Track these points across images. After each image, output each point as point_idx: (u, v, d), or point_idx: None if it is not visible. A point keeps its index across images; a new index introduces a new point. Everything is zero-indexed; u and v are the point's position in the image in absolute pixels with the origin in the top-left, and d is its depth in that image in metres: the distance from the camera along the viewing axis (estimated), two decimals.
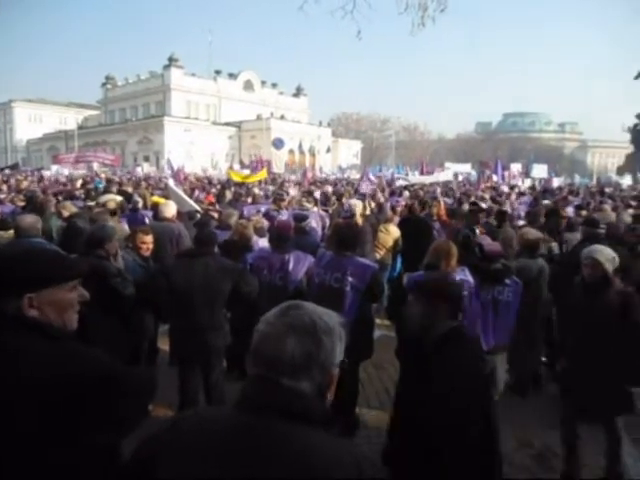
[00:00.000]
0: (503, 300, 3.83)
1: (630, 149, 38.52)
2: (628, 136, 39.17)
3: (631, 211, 8.40)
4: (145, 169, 31.97)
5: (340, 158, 58.76)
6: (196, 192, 12.80)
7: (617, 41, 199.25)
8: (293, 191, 13.74)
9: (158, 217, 6.02)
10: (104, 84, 71.02)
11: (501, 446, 3.73)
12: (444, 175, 21.97)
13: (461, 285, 3.26)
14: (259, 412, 1.06)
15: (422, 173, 24.03)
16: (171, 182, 9.16)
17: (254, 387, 1.11)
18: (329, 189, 14.67)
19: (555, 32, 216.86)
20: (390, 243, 7.30)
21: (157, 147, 53.16)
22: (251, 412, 1.07)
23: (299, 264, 4.12)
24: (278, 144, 36.08)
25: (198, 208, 7.31)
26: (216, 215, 6.85)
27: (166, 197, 8.13)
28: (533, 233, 5.05)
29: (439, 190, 15.40)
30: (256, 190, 13.25)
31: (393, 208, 7.98)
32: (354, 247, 3.93)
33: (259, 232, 5.57)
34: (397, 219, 7.97)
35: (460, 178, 25.07)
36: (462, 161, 35.09)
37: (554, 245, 5.85)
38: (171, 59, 60.68)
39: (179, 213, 6.55)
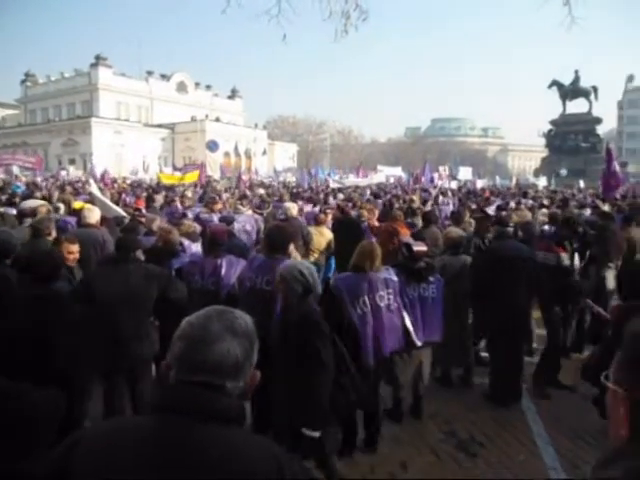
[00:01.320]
0: (429, 296, 4.03)
1: (545, 153, 41.35)
2: (544, 140, 42.08)
3: (545, 210, 9.06)
4: (71, 173, 30.19)
5: (276, 161, 58.65)
6: (123, 196, 12.30)
7: (533, 48, 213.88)
8: (226, 195, 13.59)
9: (82, 223, 5.74)
10: (23, 81, 66.29)
11: (429, 438, 3.98)
12: (377, 178, 22.59)
13: None
14: (183, 417, 1.05)
15: (358, 176, 24.57)
16: (94, 187, 8.70)
17: (183, 393, 1.08)
18: (262, 192, 14.65)
19: (476, 43, 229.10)
20: (323, 245, 7.42)
21: (84, 149, 50.38)
22: (174, 417, 1.05)
23: (232, 268, 4.08)
24: (212, 146, 35.41)
25: (124, 213, 7.04)
26: (144, 220, 6.62)
27: (91, 202, 7.76)
28: (456, 232, 5.35)
29: (369, 192, 15.82)
30: (189, 194, 12.97)
31: (324, 211, 8.08)
32: (285, 249, 3.96)
33: (191, 237, 5.47)
34: (330, 221, 8.11)
35: (392, 180, 25.88)
36: (393, 164, 36.23)
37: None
38: (98, 57, 57.71)
39: (106, 219, 6.28)
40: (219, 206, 9.03)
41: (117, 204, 8.90)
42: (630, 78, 77.67)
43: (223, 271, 4.01)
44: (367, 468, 3.56)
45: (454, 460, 3.68)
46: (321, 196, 14.08)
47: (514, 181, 29.73)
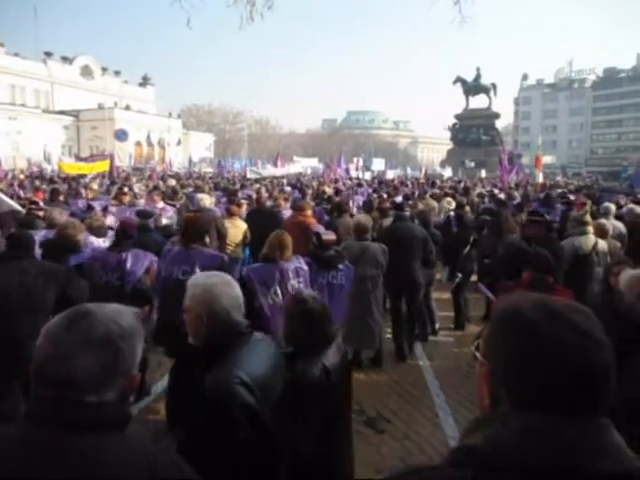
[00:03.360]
0: (337, 284, 4.17)
1: (451, 145, 43.90)
2: (449, 134, 44.62)
3: (449, 199, 9.69)
4: None
5: (192, 151, 56.79)
6: (16, 188, 11.29)
7: (439, 47, 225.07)
8: (138, 186, 12.97)
9: None
10: None
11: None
12: (294, 168, 22.72)
13: None
14: (48, 426, 1.01)
15: (276, 166, 24.51)
16: None
17: (45, 405, 1.03)
18: (173, 182, 14.20)
19: (388, 41, 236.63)
20: (240, 237, 7.36)
21: None
22: (42, 427, 1.01)
23: (138, 262, 3.94)
24: (121, 136, 33.60)
25: (19, 207, 6.49)
26: (42, 214, 6.15)
27: None
28: (363, 219, 5.61)
29: (285, 182, 15.90)
30: (94, 185, 12.21)
31: (238, 202, 8.01)
32: (201, 239, 3.92)
33: (97, 231, 5.17)
34: (244, 212, 8.05)
35: (309, 171, 26.18)
36: (311, 155, 36.61)
37: None
38: None
39: None
40: (128, 198, 8.61)
41: (12, 197, 8.19)
42: (525, 77, 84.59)
43: (128, 265, 3.88)
44: None
45: (363, 437, 3.87)
46: (237, 186, 13.92)
47: (423, 172, 31.35)
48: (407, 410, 4.32)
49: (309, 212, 7.45)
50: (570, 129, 76.55)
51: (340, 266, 4.21)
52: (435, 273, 6.57)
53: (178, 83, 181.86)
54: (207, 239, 5.86)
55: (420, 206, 8.26)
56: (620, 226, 7.04)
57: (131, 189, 10.75)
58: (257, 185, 14.34)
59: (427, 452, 3.69)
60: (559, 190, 14.22)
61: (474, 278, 6.70)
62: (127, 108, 56.74)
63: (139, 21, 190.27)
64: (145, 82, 69.80)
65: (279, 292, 3.72)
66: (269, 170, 23.58)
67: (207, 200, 7.73)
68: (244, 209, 8.17)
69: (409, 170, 34.94)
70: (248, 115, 74.33)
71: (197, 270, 3.67)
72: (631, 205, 8.45)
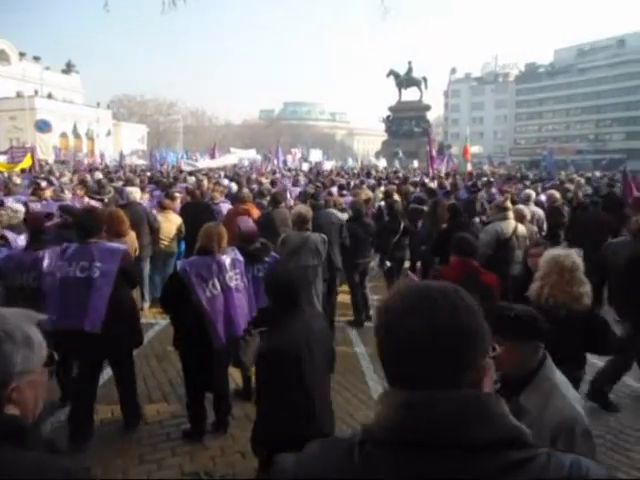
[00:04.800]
0: (261, 277, 4.08)
1: (385, 137, 44.88)
2: (384, 125, 45.58)
3: (382, 188, 9.94)
4: None
5: (123, 143, 54.21)
6: None
7: (374, 41, 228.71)
8: (62, 180, 12.21)
9: None
10: None
11: None
12: (230, 160, 22.31)
13: None
14: None
15: (212, 158, 23.91)
16: None
17: None
18: (100, 176, 13.53)
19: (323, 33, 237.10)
20: (174, 232, 7.17)
21: None
22: None
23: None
24: (42, 126, 31.34)
25: None
26: None
27: None
28: (304, 210, 5.61)
29: (222, 174, 15.61)
30: (17, 180, 11.33)
31: (171, 195, 7.77)
32: (99, 233, 3.75)
33: (16, 228, 4.83)
34: (178, 206, 7.83)
35: (246, 163, 25.82)
36: (249, 146, 36.06)
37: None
38: None
39: None
40: (48, 193, 8.11)
41: None
42: (453, 70, 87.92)
43: (45, 264, 3.65)
44: (218, 451, 3.58)
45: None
46: (172, 179, 13.47)
47: (359, 162, 31.86)
48: (343, 395, 4.41)
49: (250, 203, 7.40)
50: (495, 121, 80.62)
51: (267, 259, 4.18)
52: (370, 262, 6.74)
53: (107, 72, 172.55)
54: (132, 233, 5.69)
55: (362, 196, 8.40)
56: (539, 212, 7.56)
57: (52, 183, 10.12)
58: (193, 178, 13.95)
59: None
60: (484, 178, 14.99)
61: (407, 265, 6.95)
62: (50, 97, 53.07)
63: (57, 3, 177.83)
64: (69, 69, 65.39)
65: (217, 285, 3.65)
66: (205, 162, 22.97)
67: (137, 194, 7.44)
68: (178, 202, 7.94)
69: (350, 161, 35.45)
70: (182, 106, 72.00)
71: (97, 265, 3.53)
72: (550, 190, 9.06)
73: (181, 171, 17.88)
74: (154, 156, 25.44)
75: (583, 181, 13.62)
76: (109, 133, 50.11)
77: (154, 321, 6.28)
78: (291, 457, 0.93)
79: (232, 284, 3.73)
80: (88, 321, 3.44)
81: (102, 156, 32.55)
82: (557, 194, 8.57)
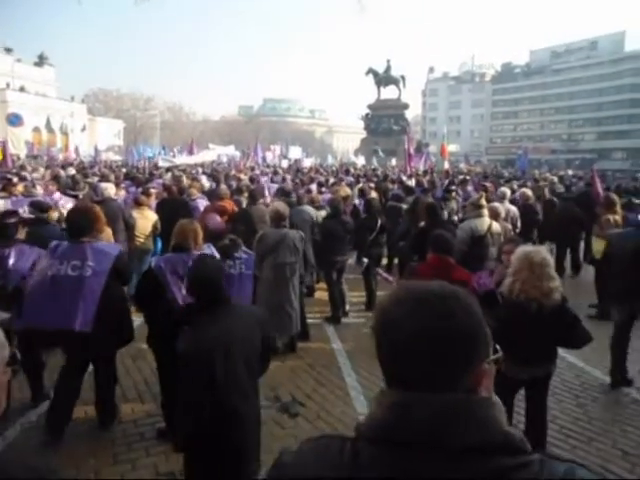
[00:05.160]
0: (235, 273, 4.05)
1: (364, 134, 45.02)
2: (363, 123, 45.69)
3: (360, 185, 9.98)
4: None
5: (99, 138, 53.09)
6: None
7: (353, 39, 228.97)
8: (34, 176, 11.90)
9: None
10: None
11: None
12: (209, 156, 22.07)
13: None
14: None
15: (190, 154, 23.61)
16: None
17: None
18: (73, 171, 13.25)
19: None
20: (149, 228, 7.07)
21: None
22: None
23: (22, 258, 3.65)
24: (14, 120, 30.38)
25: None
26: None
27: None
28: (281, 207, 5.59)
29: (200, 171, 15.46)
30: None
31: (147, 191, 7.66)
32: (91, 232, 3.68)
33: None
34: (154, 202, 7.72)
35: (225, 159, 25.59)
36: (227, 143, 35.75)
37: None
38: None
39: None
40: (20, 189, 7.89)
41: None
42: (431, 70, 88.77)
43: (11, 262, 3.57)
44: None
45: (277, 423, 3.92)
46: (148, 175, 13.29)
47: (338, 160, 31.89)
48: (320, 392, 4.43)
49: (228, 200, 7.35)
50: (472, 120, 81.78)
51: (237, 254, 4.14)
52: (348, 259, 6.77)
53: (82, 65, 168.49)
54: (108, 230, 5.59)
55: (341, 193, 8.41)
56: (514, 209, 7.71)
57: (24, 179, 9.86)
58: (169, 173, 13.76)
59: (339, 430, 3.81)
60: (461, 176, 15.20)
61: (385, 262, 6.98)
62: (22, 90, 51.59)
63: None
64: (42, 62, 63.48)
65: None
66: (183, 158, 22.67)
67: (112, 190, 7.32)
68: (153, 199, 7.83)
69: (330, 159, 35.44)
70: (160, 101, 70.89)
71: (90, 264, 3.47)
72: (523, 189, 9.23)
73: (158, 167, 17.63)
74: (130, 152, 24.97)
75: (556, 179, 13.94)
76: (84, 128, 49.00)
77: None
78: (290, 454, 0.92)
79: None
80: (78, 321, 3.38)
81: (77, 151, 31.80)
82: (529, 192, 8.75)
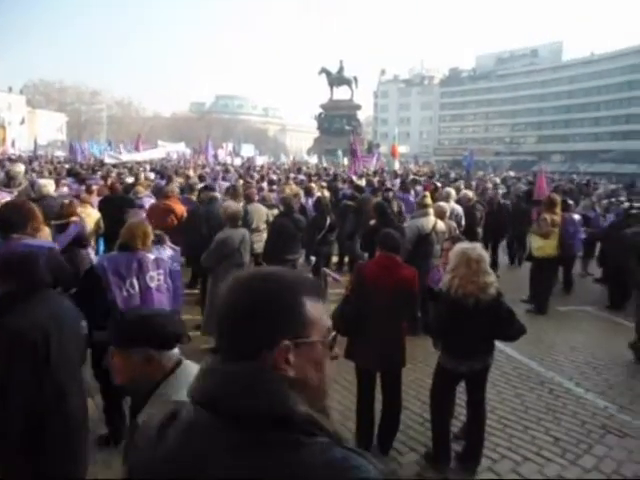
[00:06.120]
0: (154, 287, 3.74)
1: (317, 134, 45.26)
2: (316, 123, 45.95)
3: (313, 184, 10.04)
4: None
5: (40, 132, 50.47)
6: None
7: (306, 39, 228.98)
8: None
9: None
10: None
11: None
12: (157, 153, 21.49)
13: None
14: None
15: (138, 150, 22.88)
16: None
17: None
18: (22, 167, 12.51)
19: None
20: (91, 226, 6.79)
21: None
22: None
23: None
24: None
25: None
26: None
27: None
28: (234, 206, 5.53)
29: (148, 168, 15.04)
30: None
31: (89, 188, 7.36)
32: (24, 229, 3.49)
33: None
34: (96, 200, 7.44)
35: (174, 156, 24.99)
36: (178, 139, 34.89)
37: None
38: None
39: None
40: None
41: None
42: (383, 72, 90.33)
43: None
44: None
45: None
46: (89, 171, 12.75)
47: (291, 158, 31.89)
48: None
49: (174, 198, 7.18)
50: (421, 122, 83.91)
51: (160, 255, 4.00)
52: (299, 258, 6.77)
53: (19, 54, 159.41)
54: (47, 229, 5.33)
55: (287, 191, 8.41)
56: (458, 209, 7.98)
57: None
58: (115, 170, 13.29)
59: None
60: (411, 176, 15.58)
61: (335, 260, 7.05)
62: None
63: None
64: None
65: (135, 284, 3.48)
66: (130, 155, 21.93)
67: (50, 187, 6.97)
68: (95, 196, 7.53)
69: (283, 157, 35.32)
70: (107, 95, 68.25)
71: None
72: (464, 191, 9.57)
73: (103, 164, 16.99)
74: (74, 147, 23.87)
75: (499, 180, 14.56)
76: (23, 121, 46.52)
77: None
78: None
79: (152, 284, 3.58)
80: None
81: (14, 145, 30.08)
82: (471, 193, 9.12)
